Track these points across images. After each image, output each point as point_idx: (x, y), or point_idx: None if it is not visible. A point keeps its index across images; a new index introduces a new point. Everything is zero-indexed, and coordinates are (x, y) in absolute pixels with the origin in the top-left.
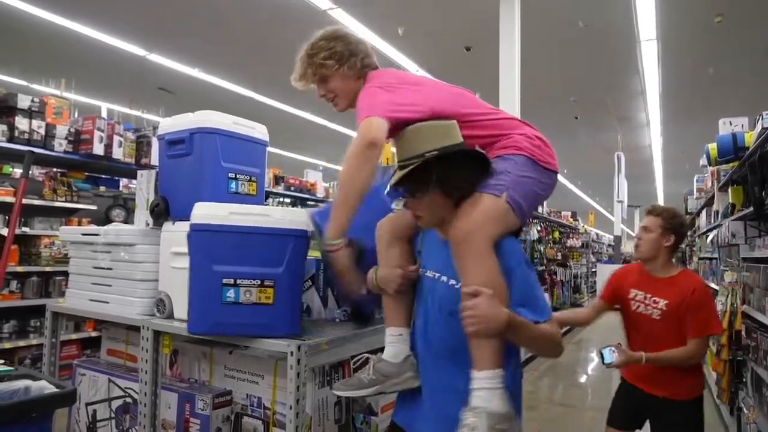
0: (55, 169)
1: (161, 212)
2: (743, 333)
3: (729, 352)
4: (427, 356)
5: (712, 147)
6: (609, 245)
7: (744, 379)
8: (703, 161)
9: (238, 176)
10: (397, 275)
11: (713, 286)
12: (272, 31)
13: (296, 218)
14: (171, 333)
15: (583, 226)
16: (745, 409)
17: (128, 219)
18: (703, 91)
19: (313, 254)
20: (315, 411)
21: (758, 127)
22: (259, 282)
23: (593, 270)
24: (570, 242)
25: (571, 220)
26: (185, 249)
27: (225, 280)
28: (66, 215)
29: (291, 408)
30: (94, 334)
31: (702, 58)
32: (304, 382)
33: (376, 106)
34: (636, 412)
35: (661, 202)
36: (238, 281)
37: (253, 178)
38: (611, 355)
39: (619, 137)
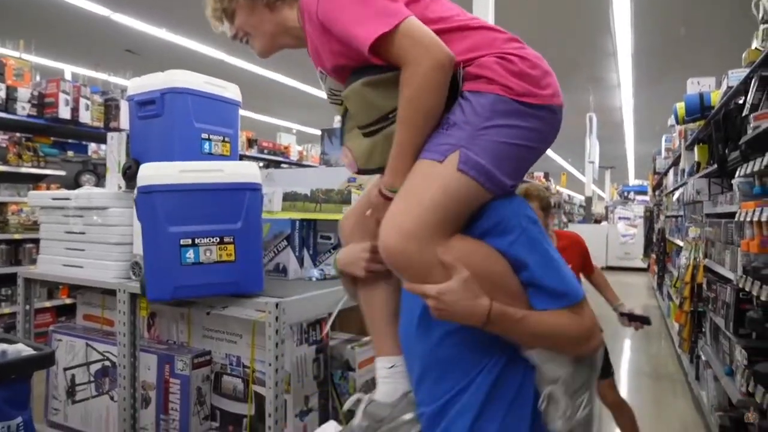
0: (18, 134)
1: (133, 174)
2: (704, 286)
3: (691, 304)
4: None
5: (680, 106)
6: (580, 206)
7: (703, 329)
8: (671, 121)
9: (211, 137)
10: (362, 249)
11: (678, 242)
12: None
13: (249, 171)
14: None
15: (555, 187)
16: (703, 357)
17: (99, 184)
18: (674, 52)
19: (285, 214)
20: (294, 368)
21: (723, 86)
22: (218, 239)
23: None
24: None
25: (544, 180)
26: None
27: (183, 241)
28: (33, 181)
29: (270, 365)
30: (68, 301)
31: (674, 19)
32: (283, 340)
33: (389, 10)
34: None
35: (631, 162)
36: (197, 240)
37: (227, 139)
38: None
39: (591, 98)
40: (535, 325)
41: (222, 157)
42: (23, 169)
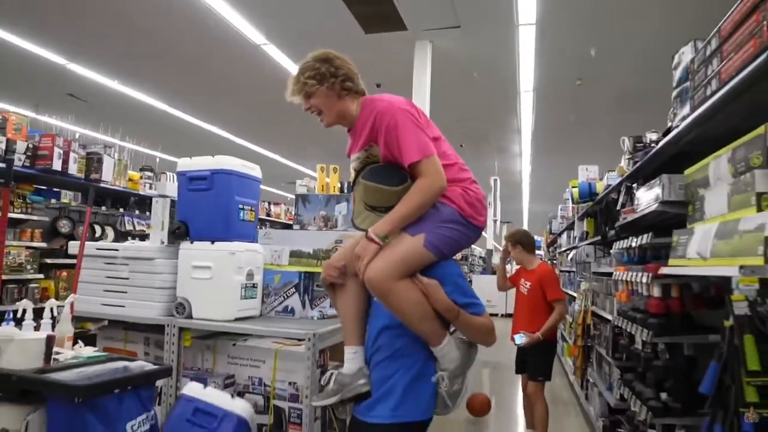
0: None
1: (182, 234)
2: (591, 326)
3: (582, 341)
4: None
5: (575, 191)
6: (480, 257)
7: (591, 360)
8: (566, 195)
9: (244, 207)
10: (326, 265)
11: (572, 293)
12: (195, 50)
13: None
14: (191, 329)
15: None
16: (591, 380)
17: (74, 229)
18: (565, 133)
19: (293, 268)
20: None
21: (605, 182)
22: (250, 207)
23: (469, 280)
24: None
25: None
26: (205, 263)
27: (240, 206)
28: (13, 226)
29: (308, 378)
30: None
31: (566, 108)
32: (317, 361)
33: (426, 143)
34: (522, 359)
35: (525, 218)
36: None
37: (253, 208)
38: (521, 338)
39: (496, 163)
40: (470, 319)
41: (250, 222)
42: (12, 215)
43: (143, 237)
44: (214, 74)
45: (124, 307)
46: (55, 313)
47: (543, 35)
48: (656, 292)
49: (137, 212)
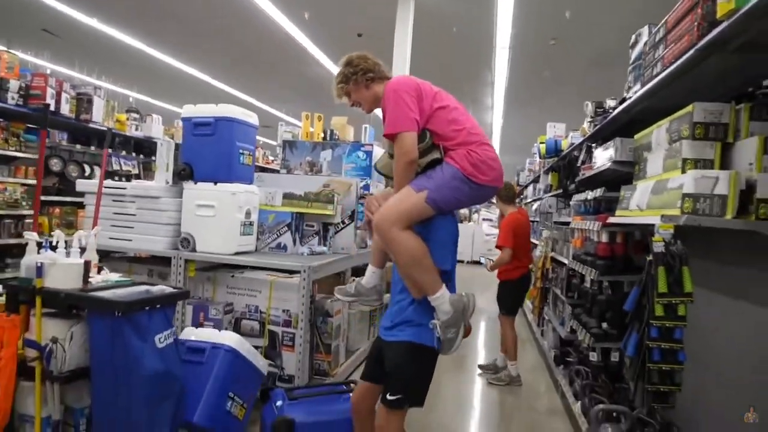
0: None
1: (187, 175)
2: (550, 270)
3: (541, 283)
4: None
5: (542, 147)
6: None
7: (548, 300)
8: (534, 150)
9: (243, 151)
10: (368, 200)
11: (534, 241)
12: None
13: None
14: (195, 261)
15: None
16: (546, 317)
17: (64, 167)
18: (537, 90)
19: (286, 208)
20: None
21: (569, 140)
22: (249, 152)
23: None
24: None
25: None
26: (209, 202)
27: (240, 151)
28: (7, 162)
29: (302, 305)
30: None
31: (539, 66)
32: (310, 291)
33: (403, 121)
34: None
35: None
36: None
37: (251, 153)
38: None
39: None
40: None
41: (248, 166)
42: (6, 152)
43: (129, 177)
44: (192, 16)
45: (131, 240)
46: (83, 243)
47: None
48: (604, 238)
49: (123, 153)
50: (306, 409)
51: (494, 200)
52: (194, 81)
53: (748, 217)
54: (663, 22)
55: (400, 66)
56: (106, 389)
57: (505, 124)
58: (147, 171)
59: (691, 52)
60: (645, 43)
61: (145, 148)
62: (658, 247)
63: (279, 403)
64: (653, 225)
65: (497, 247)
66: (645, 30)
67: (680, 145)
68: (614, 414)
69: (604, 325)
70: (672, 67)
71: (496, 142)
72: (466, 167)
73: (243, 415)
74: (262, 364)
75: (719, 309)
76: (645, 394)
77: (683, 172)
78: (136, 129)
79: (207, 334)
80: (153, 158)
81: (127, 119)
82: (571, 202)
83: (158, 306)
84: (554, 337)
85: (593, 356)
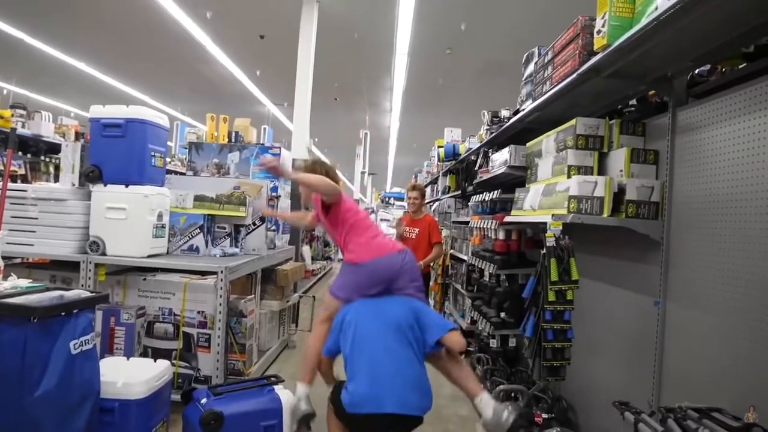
0: None
1: (95, 177)
2: (449, 267)
3: (442, 278)
4: None
5: (441, 150)
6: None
7: (448, 295)
8: (433, 153)
9: (155, 154)
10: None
11: None
12: None
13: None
14: (106, 264)
15: None
16: (447, 311)
17: None
18: (433, 95)
19: (198, 210)
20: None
21: (467, 145)
22: (160, 155)
23: None
24: None
25: None
26: (120, 205)
27: (152, 153)
28: None
29: (219, 306)
30: None
31: (435, 73)
32: (227, 291)
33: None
34: None
35: (390, 171)
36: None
37: (162, 155)
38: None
39: (367, 118)
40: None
41: (159, 168)
42: None
43: (14, 179)
44: (82, 5)
45: (32, 245)
46: None
47: (421, 4)
48: (501, 235)
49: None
50: (232, 403)
51: (413, 202)
52: (84, 76)
53: (619, 215)
54: (551, 46)
55: (304, 67)
56: (12, 399)
57: (402, 127)
58: (35, 172)
59: (574, 75)
60: (535, 63)
61: (31, 146)
62: (550, 241)
63: (204, 400)
64: (545, 223)
65: (435, 243)
66: (536, 50)
67: (566, 153)
68: (512, 394)
69: (503, 314)
70: (558, 86)
71: (392, 145)
72: (358, 258)
73: None
74: None
75: (597, 293)
76: (541, 369)
77: (569, 177)
78: (23, 126)
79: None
80: (42, 158)
81: (12, 116)
82: (469, 203)
83: (75, 311)
84: None
85: (493, 343)
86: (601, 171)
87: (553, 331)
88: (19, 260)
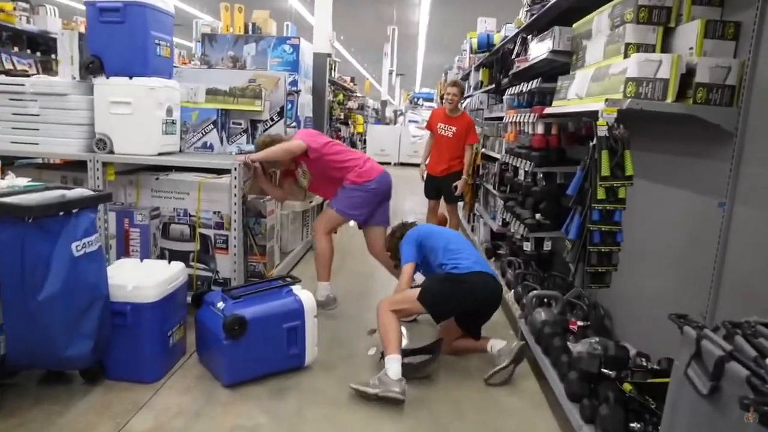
0: None
1: (96, 69)
2: (481, 166)
3: (472, 179)
4: None
5: (474, 41)
6: (374, 109)
7: (478, 196)
8: (464, 47)
9: (160, 42)
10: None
11: None
12: None
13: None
14: (114, 163)
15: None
16: (478, 213)
17: None
18: None
19: (210, 105)
20: None
21: (502, 33)
22: (166, 43)
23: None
24: (350, 104)
25: (352, 84)
26: (125, 99)
27: (156, 41)
28: None
29: (234, 205)
30: None
31: None
32: (242, 190)
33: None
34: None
35: (419, 71)
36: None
37: (168, 44)
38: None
39: (395, 12)
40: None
41: (166, 59)
42: None
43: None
44: None
45: (37, 144)
46: None
47: None
48: (539, 129)
49: (15, 49)
50: (252, 306)
51: (451, 99)
52: None
53: (686, 101)
54: None
55: None
56: (18, 303)
57: (433, 21)
58: (47, 71)
59: None
60: None
61: (40, 44)
62: (601, 131)
63: (221, 304)
64: (594, 112)
65: (469, 144)
66: None
67: (623, 29)
68: (545, 299)
69: (538, 215)
70: None
71: (421, 43)
72: (356, 180)
73: None
74: None
75: (650, 192)
76: (584, 275)
77: (626, 56)
78: (28, 21)
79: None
80: (53, 56)
81: (14, 9)
82: (504, 97)
83: (75, 211)
84: (485, 231)
85: (527, 246)
86: (665, 50)
87: (601, 233)
88: (26, 161)
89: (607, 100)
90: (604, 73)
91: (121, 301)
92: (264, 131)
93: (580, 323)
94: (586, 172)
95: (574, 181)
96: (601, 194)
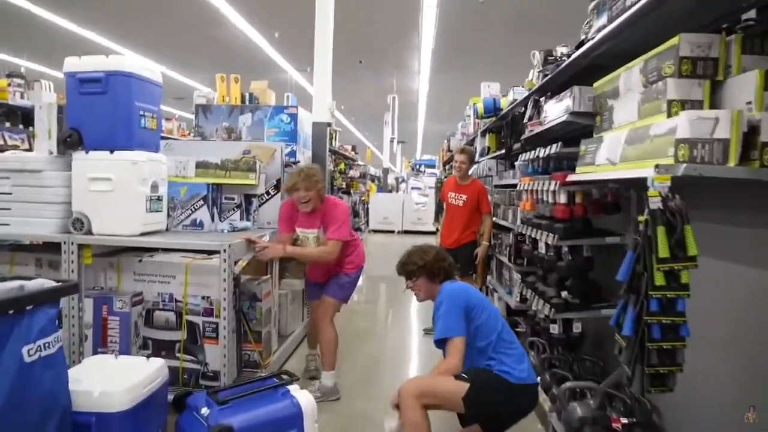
0: None
1: (75, 142)
2: (493, 236)
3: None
4: None
5: (479, 106)
6: (375, 177)
7: (491, 268)
8: (468, 112)
9: (145, 113)
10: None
11: None
12: None
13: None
14: (91, 245)
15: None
16: (491, 286)
17: None
18: (465, 51)
19: (200, 179)
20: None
21: (510, 97)
22: (152, 115)
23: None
24: (351, 173)
25: (352, 152)
26: (105, 175)
27: (141, 112)
28: None
29: (224, 291)
30: None
31: (468, 26)
32: (233, 273)
33: (343, 233)
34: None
35: (420, 138)
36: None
37: (155, 115)
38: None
39: (395, 81)
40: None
41: (152, 131)
42: None
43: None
44: None
45: (8, 225)
46: None
47: None
48: (563, 198)
49: (8, 125)
50: (241, 412)
51: (459, 166)
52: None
53: (751, 164)
54: None
55: (322, 27)
56: None
57: (433, 89)
58: None
59: None
60: None
61: (33, 119)
62: (654, 203)
63: (205, 410)
64: (634, 180)
65: (486, 213)
66: None
67: (663, 84)
68: (577, 389)
69: (564, 293)
70: None
71: (422, 110)
72: (352, 269)
73: None
74: None
75: (709, 271)
76: (643, 378)
77: (670, 115)
78: (22, 97)
79: None
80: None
81: (9, 85)
82: (516, 163)
83: (29, 308)
84: (501, 306)
85: (554, 329)
86: (714, 106)
87: (661, 326)
88: None
89: (657, 166)
90: (643, 135)
91: (85, 411)
92: (259, 206)
93: (624, 420)
94: (638, 254)
95: (624, 265)
96: (659, 280)
